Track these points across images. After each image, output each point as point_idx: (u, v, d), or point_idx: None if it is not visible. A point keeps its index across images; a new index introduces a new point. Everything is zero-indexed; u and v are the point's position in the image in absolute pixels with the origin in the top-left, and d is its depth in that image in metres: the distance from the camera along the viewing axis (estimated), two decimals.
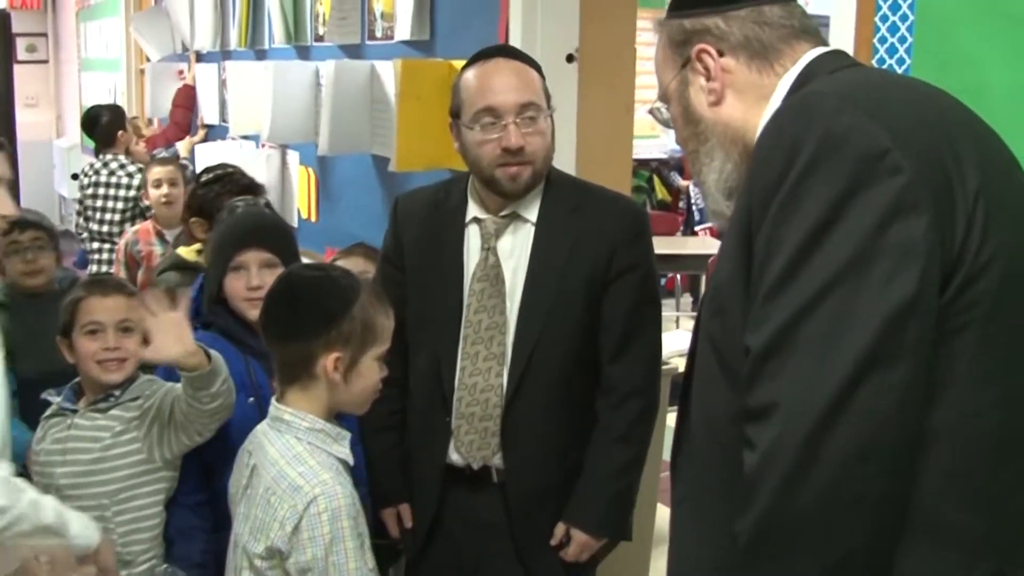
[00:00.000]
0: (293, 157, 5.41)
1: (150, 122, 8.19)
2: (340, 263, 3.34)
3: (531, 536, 2.57)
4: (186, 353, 2.35)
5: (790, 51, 1.58)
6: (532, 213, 2.55)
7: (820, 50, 1.60)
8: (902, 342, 1.27)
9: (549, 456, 2.56)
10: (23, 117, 12.02)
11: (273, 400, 2.24)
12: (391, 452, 2.70)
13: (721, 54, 1.59)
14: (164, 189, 4.98)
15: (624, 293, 2.52)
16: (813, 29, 1.62)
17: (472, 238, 2.58)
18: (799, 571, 1.31)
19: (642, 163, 6.42)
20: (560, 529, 2.57)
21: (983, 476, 1.35)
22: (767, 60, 1.58)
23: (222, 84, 6.37)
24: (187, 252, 3.67)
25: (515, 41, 3.46)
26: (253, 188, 3.54)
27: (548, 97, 2.53)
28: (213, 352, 2.41)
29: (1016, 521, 1.38)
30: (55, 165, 12.40)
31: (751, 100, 1.58)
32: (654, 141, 8.70)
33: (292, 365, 2.20)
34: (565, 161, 3.30)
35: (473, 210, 2.59)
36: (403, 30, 4.17)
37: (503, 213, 2.54)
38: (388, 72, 4.15)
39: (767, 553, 1.33)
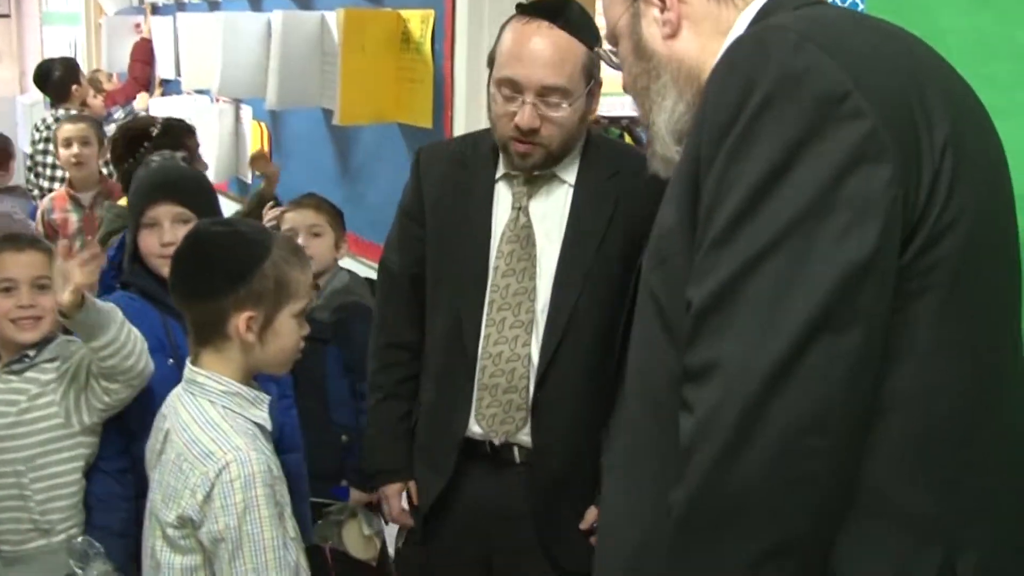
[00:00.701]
0: (246, 111, 5.29)
1: (110, 77, 8.00)
2: (289, 215, 3.24)
3: (557, 523, 2.42)
4: (85, 285, 2.25)
5: None
6: (570, 175, 2.38)
7: None
8: (856, 304, 1.17)
9: (580, 437, 2.39)
10: None
11: (188, 362, 2.13)
12: (397, 424, 2.56)
13: None
14: (75, 149, 4.74)
15: None
16: None
17: (502, 196, 2.41)
18: (731, 556, 1.20)
19: (613, 121, 6.30)
20: (593, 513, 2.40)
21: (937, 455, 1.24)
22: None
23: (176, 37, 6.20)
24: None
25: None
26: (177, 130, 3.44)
27: (592, 75, 2.32)
28: (103, 306, 2.31)
29: (969, 505, 1.27)
30: (18, 122, 12.16)
31: (708, 34, 1.46)
32: (625, 98, 8.54)
33: (203, 326, 2.09)
34: None
35: (504, 166, 2.41)
36: None
37: (539, 172, 2.37)
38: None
39: (699, 532, 1.22)
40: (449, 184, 2.46)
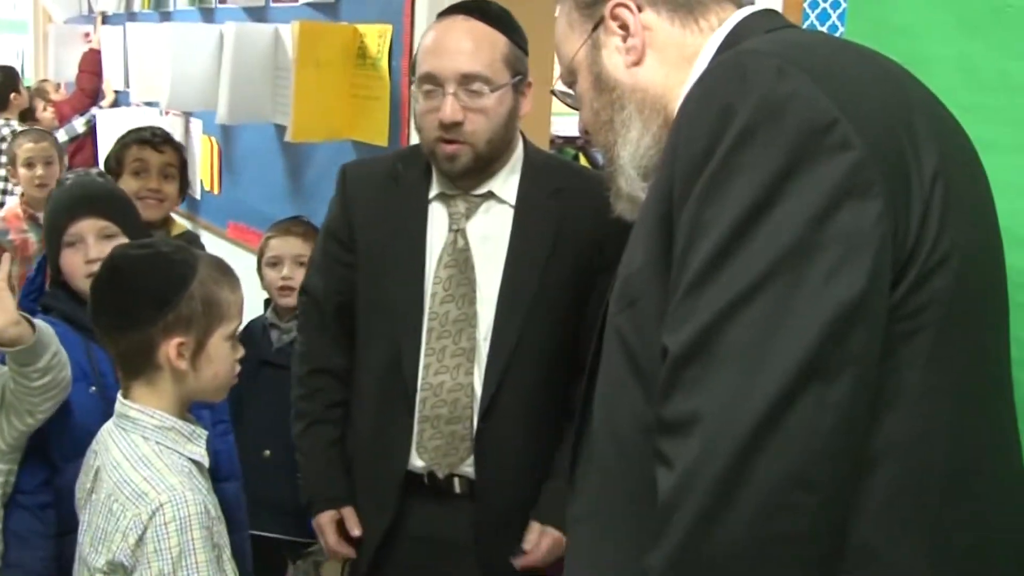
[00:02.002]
0: (196, 125, 5.16)
1: (58, 87, 7.81)
2: (273, 242, 3.13)
3: (500, 555, 2.30)
4: (6, 323, 2.09)
5: (716, 7, 1.41)
6: (509, 194, 2.28)
7: (751, 9, 1.41)
8: (846, 350, 1.08)
9: (526, 467, 2.30)
10: None
11: (119, 396, 2.01)
12: (328, 449, 2.43)
13: (640, 9, 1.41)
14: (38, 171, 4.50)
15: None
16: None
17: (437, 217, 2.30)
18: None
19: (568, 141, 6.23)
20: (535, 530, 2.30)
21: (929, 507, 1.16)
22: (691, 14, 1.40)
23: (126, 48, 6.03)
24: None
25: (421, 5, 3.23)
26: (156, 139, 3.34)
27: (517, 70, 2.23)
28: (39, 322, 2.17)
29: (961, 562, 1.19)
30: None
31: (673, 62, 1.39)
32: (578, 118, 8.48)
33: (131, 357, 1.97)
34: None
35: (438, 185, 2.30)
36: None
37: (476, 192, 2.26)
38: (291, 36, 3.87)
39: None
40: (380, 205, 2.34)
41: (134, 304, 1.95)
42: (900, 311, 1.13)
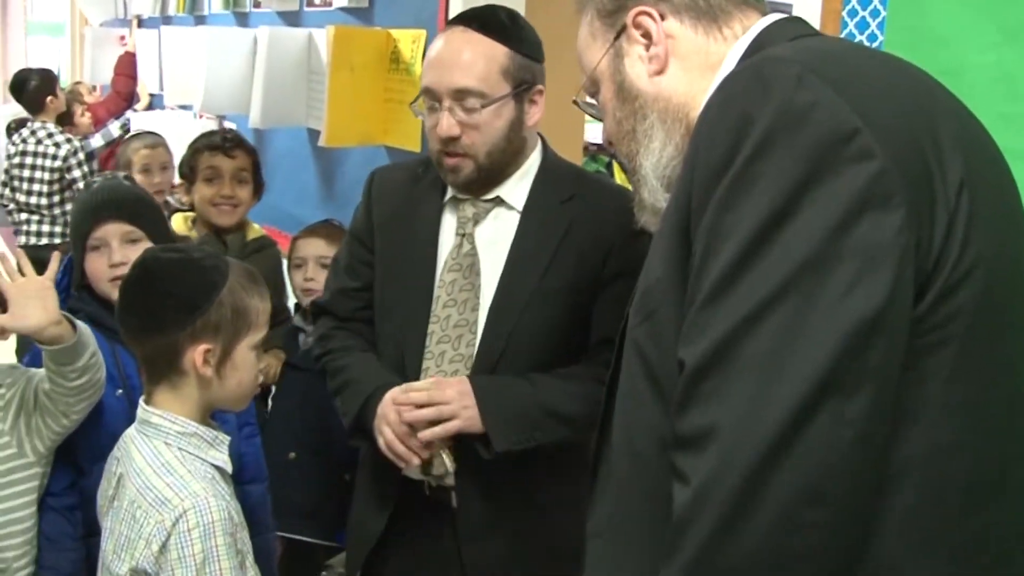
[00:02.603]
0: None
1: (93, 89, 7.86)
2: (300, 243, 3.10)
3: (482, 566, 2.23)
4: (49, 322, 2.09)
5: (740, 15, 1.38)
6: (519, 200, 2.24)
7: (776, 16, 1.38)
8: (865, 365, 1.05)
9: (505, 478, 2.20)
10: None
11: (141, 402, 1.99)
12: (365, 352, 2.32)
13: (663, 17, 1.38)
14: (155, 178, 4.18)
15: (615, 300, 2.12)
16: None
17: (448, 222, 2.27)
18: None
19: (601, 148, 6.19)
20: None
21: (953, 523, 1.14)
22: (715, 22, 1.37)
23: (161, 51, 6.06)
24: (177, 222, 3.35)
25: (455, 10, 3.21)
26: (227, 144, 3.30)
27: (521, 79, 2.17)
28: (79, 323, 2.16)
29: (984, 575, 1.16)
30: None
31: (697, 70, 1.36)
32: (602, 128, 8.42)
33: (156, 361, 1.95)
34: None
35: (451, 189, 2.27)
36: None
37: (486, 197, 2.23)
38: (325, 41, 3.87)
39: None
40: (398, 208, 2.32)
41: (162, 308, 1.93)
42: (924, 324, 1.11)
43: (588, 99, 1.53)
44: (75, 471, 2.36)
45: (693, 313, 1.14)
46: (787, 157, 1.09)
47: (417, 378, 2.21)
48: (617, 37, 1.43)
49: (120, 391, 2.37)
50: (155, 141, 4.26)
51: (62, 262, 2.34)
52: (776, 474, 1.05)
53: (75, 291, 2.48)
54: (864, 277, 1.06)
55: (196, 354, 1.92)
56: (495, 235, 2.24)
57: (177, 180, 3.55)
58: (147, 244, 2.36)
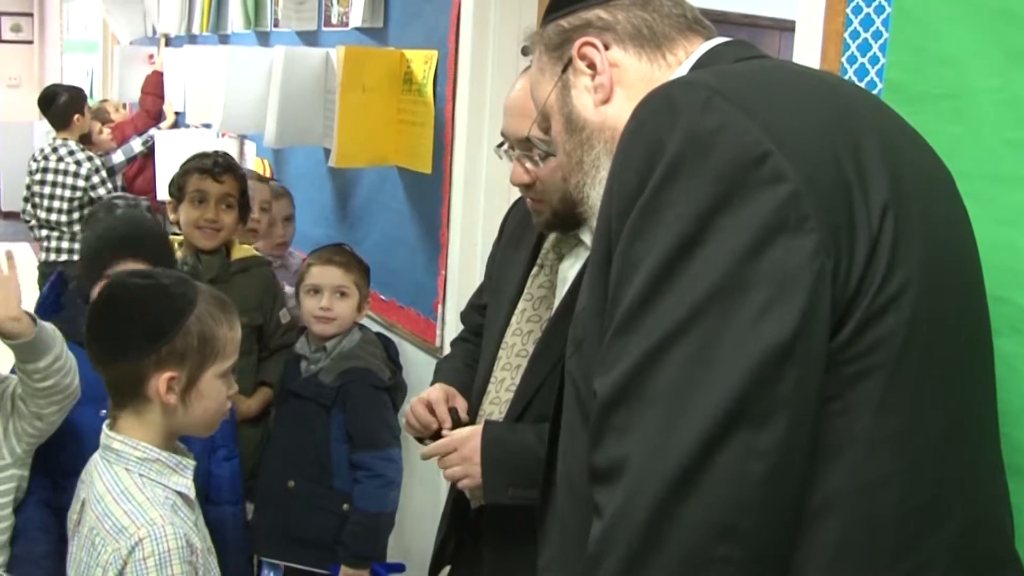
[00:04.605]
0: (250, 147, 5.17)
1: (123, 107, 7.90)
2: (315, 270, 3.07)
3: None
4: (6, 316, 2.13)
5: (684, 41, 1.39)
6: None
7: (720, 39, 1.38)
8: (776, 394, 1.03)
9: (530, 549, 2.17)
10: (5, 98, 11.89)
11: (104, 427, 1.97)
12: (458, 350, 2.47)
13: (607, 47, 1.39)
14: (279, 229, 3.89)
15: None
16: (708, 25, 1.42)
17: (543, 252, 2.23)
18: None
19: None
20: None
21: (883, 560, 1.09)
22: (659, 49, 1.38)
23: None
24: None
25: (466, 31, 3.19)
26: (217, 168, 3.29)
27: None
28: (45, 324, 2.19)
29: None
30: (35, 148, 12.14)
31: (640, 97, 1.32)
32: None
33: (121, 387, 1.94)
34: None
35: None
36: (356, 16, 3.89)
37: (574, 233, 2.15)
38: None
39: None
40: (515, 231, 2.33)
41: (127, 334, 1.92)
42: (847, 352, 1.08)
43: (540, 135, 1.53)
44: (52, 484, 2.43)
45: (606, 344, 1.12)
46: (695, 183, 1.07)
47: (480, 400, 2.22)
48: (564, 70, 1.43)
49: (104, 412, 2.35)
50: (277, 191, 3.99)
51: (49, 278, 2.36)
52: (683, 508, 1.02)
53: (72, 310, 2.52)
54: (775, 304, 1.03)
55: (160, 381, 1.90)
56: (571, 272, 2.17)
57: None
58: None
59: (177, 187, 3.30)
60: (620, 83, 1.39)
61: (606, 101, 1.39)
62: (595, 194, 1.39)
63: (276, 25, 4.76)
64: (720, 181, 1.06)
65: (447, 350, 2.64)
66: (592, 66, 1.40)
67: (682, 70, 1.35)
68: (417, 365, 3.42)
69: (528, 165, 2.05)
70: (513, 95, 2.09)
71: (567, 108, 1.43)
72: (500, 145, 2.15)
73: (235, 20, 5.19)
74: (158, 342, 1.89)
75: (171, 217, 3.34)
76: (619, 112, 1.37)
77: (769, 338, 1.02)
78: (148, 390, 1.90)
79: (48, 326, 2.19)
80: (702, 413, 1.02)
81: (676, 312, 1.05)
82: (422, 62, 3.46)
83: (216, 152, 3.41)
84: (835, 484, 1.08)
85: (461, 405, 2.28)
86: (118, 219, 2.60)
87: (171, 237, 3.29)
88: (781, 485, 1.04)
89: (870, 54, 1.87)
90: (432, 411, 2.24)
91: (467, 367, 2.40)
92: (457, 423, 2.21)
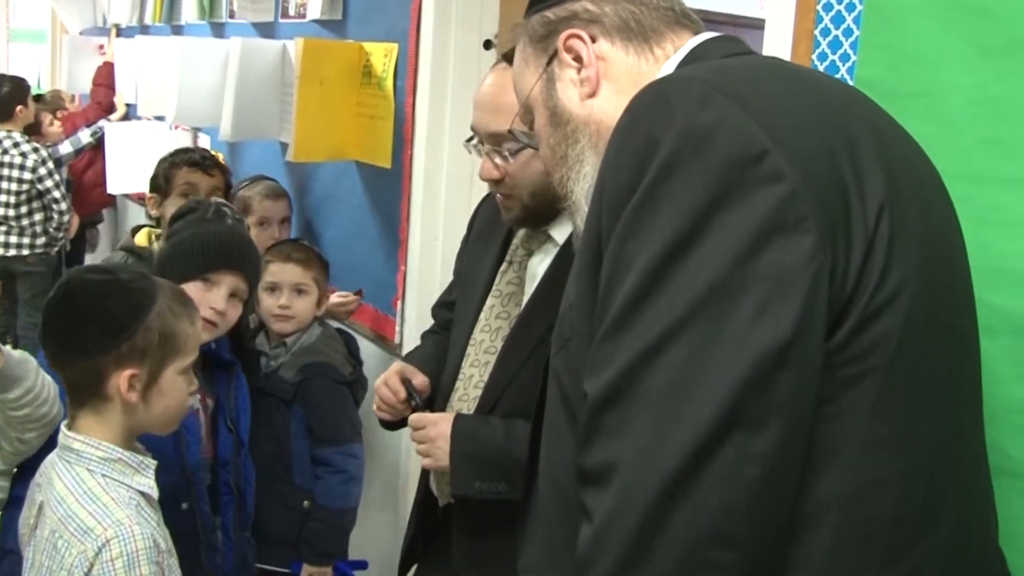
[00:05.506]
0: (204, 140, 5.08)
1: (72, 98, 7.78)
2: (273, 268, 3.02)
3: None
4: None
5: (672, 35, 1.37)
6: (562, 235, 2.08)
7: (708, 35, 1.36)
8: (771, 397, 1.01)
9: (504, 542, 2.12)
10: None
11: (62, 427, 1.93)
12: (431, 339, 2.48)
13: (594, 40, 1.37)
14: (274, 231, 3.70)
15: None
16: (696, 19, 1.41)
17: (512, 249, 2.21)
18: None
19: None
20: None
21: (875, 564, 1.09)
22: (647, 43, 1.36)
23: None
24: (141, 237, 3.29)
25: (427, 25, 3.16)
26: (206, 162, 3.33)
27: None
28: (17, 355, 2.11)
29: None
30: None
31: (628, 91, 1.30)
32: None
33: (80, 385, 1.90)
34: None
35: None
36: (315, 8, 3.84)
37: (543, 229, 2.11)
38: None
39: None
40: (485, 227, 2.31)
41: (86, 331, 1.88)
42: (843, 354, 1.07)
43: (522, 128, 1.51)
44: None
45: (596, 344, 1.10)
46: (691, 181, 1.06)
47: (447, 398, 2.21)
48: (549, 62, 1.40)
49: None
50: (277, 194, 3.85)
51: None
52: (676, 513, 1.01)
53: None
54: (772, 305, 1.02)
55: (121, 379, 1.87)
56: (539, 269, 2.16)
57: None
58: (239, 302, 2.43)
59: (164, 179, 3.29)
60: (607, 76, 1.37)
61: (592, 95, 1.37)
62: (579, 189, 1.38)
63: (231, 16, 4.70)
64: (717, 179, 1.04)
65: (407, 348, 2.62)
66: (578, 59, 1.38)
67: (670, 64, 1.34)
68: (376, 362, 3.38)
69: (498, 160, 2.02)
70: (484, 89, 2.07)
71: (552, 101, 1.41)
72: (470, 140, 2.13)
73: (189, 10, 5.11)
74: (118, 339, 1.86)
75: (153, 212, 3.30)
76: (605, 106, 1.36)
77: (765, 341, 1.01)
78: (108, 388, 1.87)
79: (16, 355, 2.12)
80: (696, 417, 1.01)
81: (671, 313, 1.04)
82: (382, 55, 3.42)
83: (200, 148, 3.46)
84: (830, 487, 1.07)
85: (419, 380, 2.27)
86: (227, 229, 2.54)
87: (148, 230, 3.25)
88: (775, 490, 1.03)
89: (841, 51, 1.86)
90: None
91: (436, 347, 2.41)
92: (411, 395, 2.22)
